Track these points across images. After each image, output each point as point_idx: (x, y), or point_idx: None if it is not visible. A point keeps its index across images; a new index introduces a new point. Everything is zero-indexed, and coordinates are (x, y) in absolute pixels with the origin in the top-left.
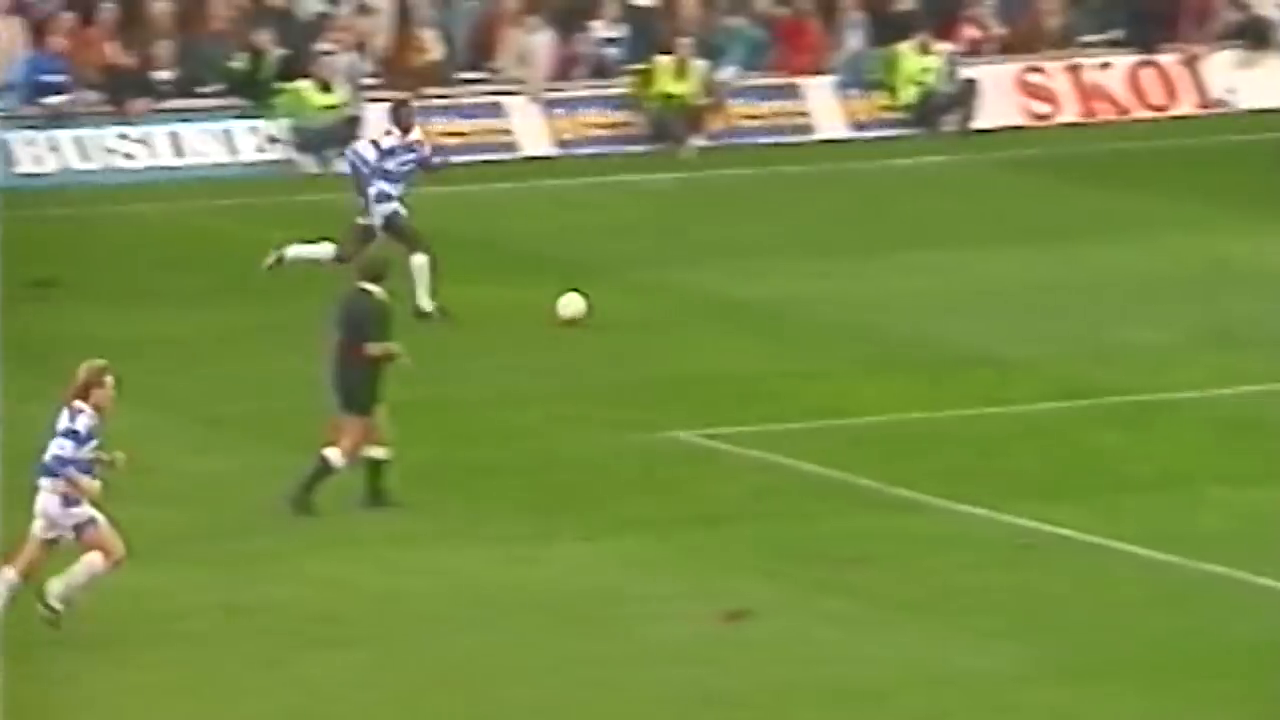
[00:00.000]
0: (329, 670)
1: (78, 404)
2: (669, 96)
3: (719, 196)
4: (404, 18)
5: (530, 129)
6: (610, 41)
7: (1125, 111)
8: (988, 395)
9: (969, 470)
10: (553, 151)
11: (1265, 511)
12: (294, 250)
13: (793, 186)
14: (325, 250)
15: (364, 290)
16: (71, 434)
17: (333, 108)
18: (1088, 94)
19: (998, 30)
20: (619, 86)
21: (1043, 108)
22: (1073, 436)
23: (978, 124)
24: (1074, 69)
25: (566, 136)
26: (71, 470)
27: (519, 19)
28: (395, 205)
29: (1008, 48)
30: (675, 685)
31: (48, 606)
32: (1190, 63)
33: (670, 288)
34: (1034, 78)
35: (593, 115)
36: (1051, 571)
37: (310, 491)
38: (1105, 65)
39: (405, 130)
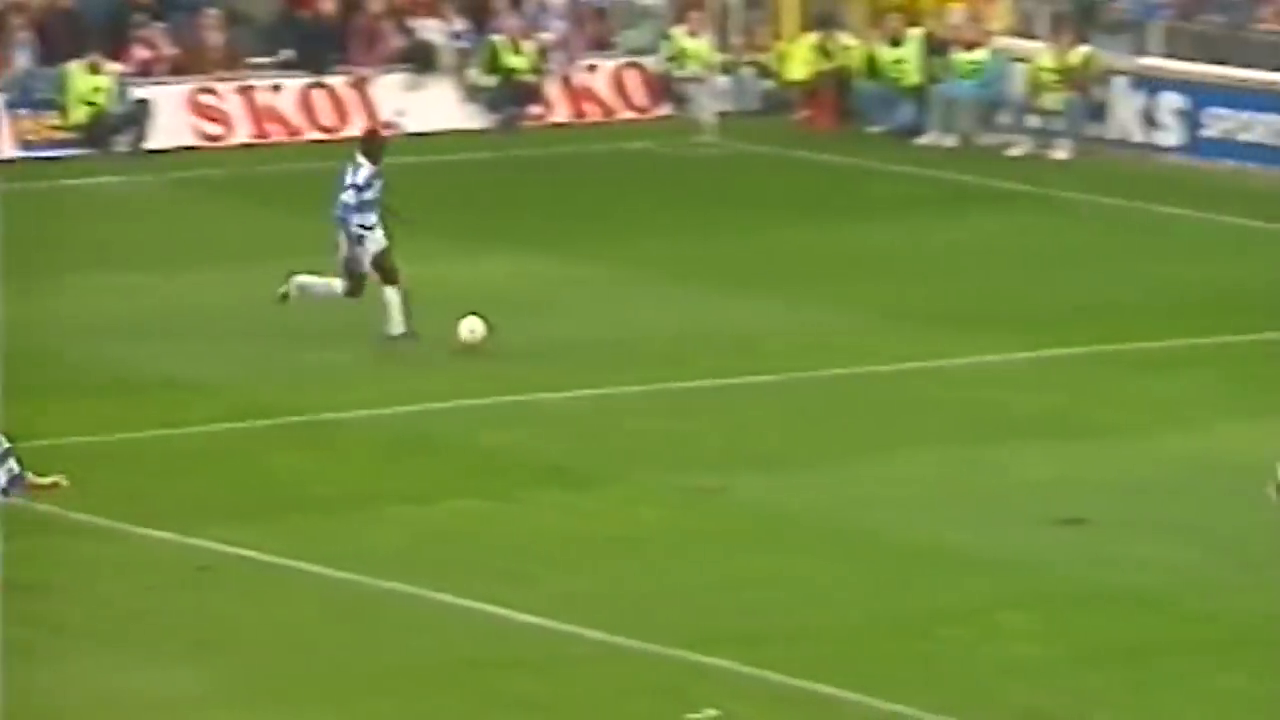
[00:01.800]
0: None
1: None
2: None
3: None
4: None
5: None
6: None
7: (297, 133)
8: (168, 417)
9: (150, 493)
10: None
11: (440, 528)
12: (302, 280)
13: None
14: (336, 284)
15: None
16: None
17: None
18: (260, 115)
19: (169, 50)
20: None
21: (215, 129)
22: (252, 458)
23: (151, 145)
24: (246, 90)
25: None
26: None
27: None
28: (382, 244)
29: (179, 68)
30: None
31: None
32: (360, 85)
33: None
34: (206, 99)
35: None
36: (231, 593)
37: None
38: (276, 87)
39: (375, 161)
